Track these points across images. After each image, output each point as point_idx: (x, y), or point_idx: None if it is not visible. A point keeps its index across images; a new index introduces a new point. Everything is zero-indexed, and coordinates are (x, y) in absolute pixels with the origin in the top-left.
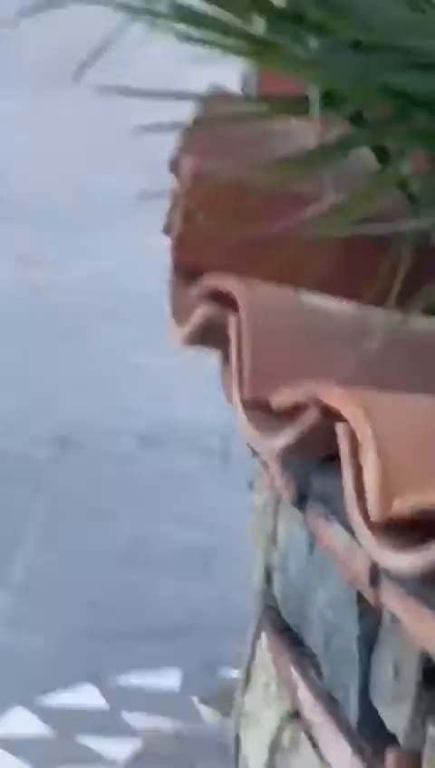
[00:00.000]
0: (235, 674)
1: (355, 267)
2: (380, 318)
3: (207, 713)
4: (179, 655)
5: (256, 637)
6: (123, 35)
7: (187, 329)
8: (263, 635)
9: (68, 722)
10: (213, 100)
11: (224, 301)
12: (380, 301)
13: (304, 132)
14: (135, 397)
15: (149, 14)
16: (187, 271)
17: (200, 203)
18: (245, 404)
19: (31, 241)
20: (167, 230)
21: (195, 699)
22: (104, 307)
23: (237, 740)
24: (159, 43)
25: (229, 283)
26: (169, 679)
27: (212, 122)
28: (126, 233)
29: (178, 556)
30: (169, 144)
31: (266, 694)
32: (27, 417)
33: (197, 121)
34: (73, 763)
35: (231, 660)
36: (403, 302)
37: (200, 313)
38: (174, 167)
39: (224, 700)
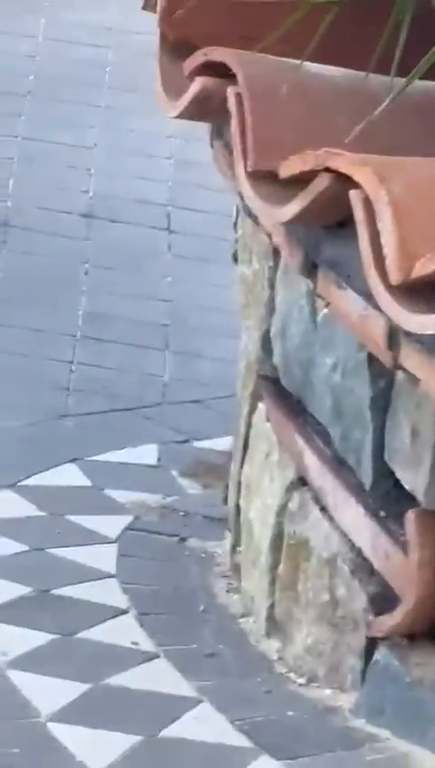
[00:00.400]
0: (208, 445)
1: (355, 35)
2: (382, 84)
3: (187, 485)
4: (153, 430)
5: (253, 407)
6: None
7: (181, 102)
8: (260, 404)
9: (56, 502)
10: None
11: (220, 73)
12: (381, 68)
13: None
14: (77, 174)
15: None
16: (176, 44)
17: None
18: (250, 175)
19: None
20: (149, 4)
21: (174, 473)
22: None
23: (238, 508)
24: None
25: (227, 54)
26: (146, 455)
27: None
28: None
29: (137, 332)
30: None
31: (267, 463)
32: None
33: None
34: (68, 540)
35: (204, 432)
36: (404, 68)
37: (197, 85)
38: None
39: (202, 472)
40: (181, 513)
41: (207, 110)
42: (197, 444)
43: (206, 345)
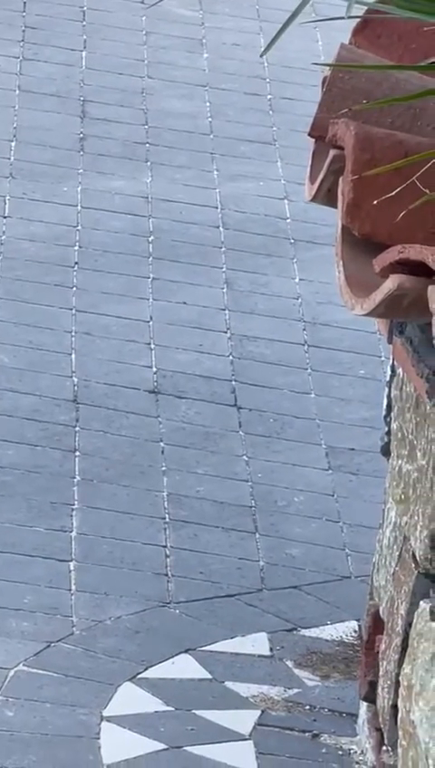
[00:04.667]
0: (316, 633)
1: None
2: None
3: (305, 677)
4: (261, 618)
5: (413, 604)
6: None
7: (372, 299)
8: (422, 603)
9: (180, 696)
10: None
11: (413, 271)
12: None
13: None
14: (139, 348)
15: None
16: (360, 237)
17: (368, 168)
18: None
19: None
20: (318, 196)
21: (289, 663)
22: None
23: (395, 708)
24: None
25: (422, 252)
26: (258, 645)
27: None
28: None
29: (224, 514)
30: None
31: (434, 665)
32: None
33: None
34: (203, 737)
35: (311, 620)
36: None
37: (391, 283)
38: (329, 130)
39: (317, 662)
40: (307, 708)
41: (398, 307)
42: (305, 632)
43: (294, 527)
